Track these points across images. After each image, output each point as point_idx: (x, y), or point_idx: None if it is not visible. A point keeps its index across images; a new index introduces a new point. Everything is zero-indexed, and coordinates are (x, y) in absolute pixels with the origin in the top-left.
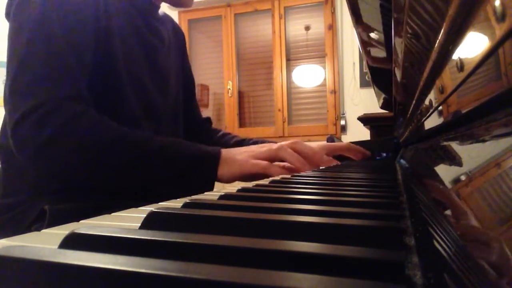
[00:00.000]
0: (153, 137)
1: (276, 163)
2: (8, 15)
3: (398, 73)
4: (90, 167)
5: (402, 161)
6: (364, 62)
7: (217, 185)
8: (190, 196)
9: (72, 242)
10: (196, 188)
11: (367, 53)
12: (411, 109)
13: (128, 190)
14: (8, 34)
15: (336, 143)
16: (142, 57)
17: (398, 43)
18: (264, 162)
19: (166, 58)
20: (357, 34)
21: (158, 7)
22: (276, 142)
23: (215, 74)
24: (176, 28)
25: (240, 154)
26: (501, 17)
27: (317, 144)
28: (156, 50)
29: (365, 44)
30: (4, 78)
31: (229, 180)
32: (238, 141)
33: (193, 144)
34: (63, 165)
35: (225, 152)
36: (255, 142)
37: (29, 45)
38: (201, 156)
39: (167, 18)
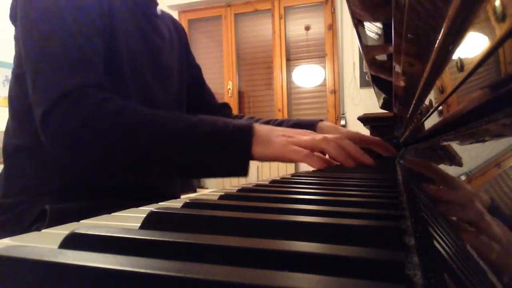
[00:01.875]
0: (180, 116)
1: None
2: (13, 17)
3: (398, 73)
4: (122, 152)
5: (402, 161)
6: (364, 62)
7: (217, 185)
8: (190, 196)
9: (72, 242)
10: (229, 170)
11: (367, 53)
12: (411, 109)
13: (161, 176)
14: (20, 34)
15: (369, 136)
16: (144, 54)
17: (398, 43)
18: (306, 151)
19: (167, 55)
20: (357, 33)
21: (156, 4)
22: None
23: (215, 74)
24: (176, 24)
25: (277, 136)
26: (501, 17)
27: (352, 132)
28: (157, 47)
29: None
30: (4, 78)
31: (260, 160)
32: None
33: (221, 118)
34: (97, 151)
35: (259, 128)
36: (281, 123)
37: (46, 40)
38: (233, 131)
39: (165, 15)
